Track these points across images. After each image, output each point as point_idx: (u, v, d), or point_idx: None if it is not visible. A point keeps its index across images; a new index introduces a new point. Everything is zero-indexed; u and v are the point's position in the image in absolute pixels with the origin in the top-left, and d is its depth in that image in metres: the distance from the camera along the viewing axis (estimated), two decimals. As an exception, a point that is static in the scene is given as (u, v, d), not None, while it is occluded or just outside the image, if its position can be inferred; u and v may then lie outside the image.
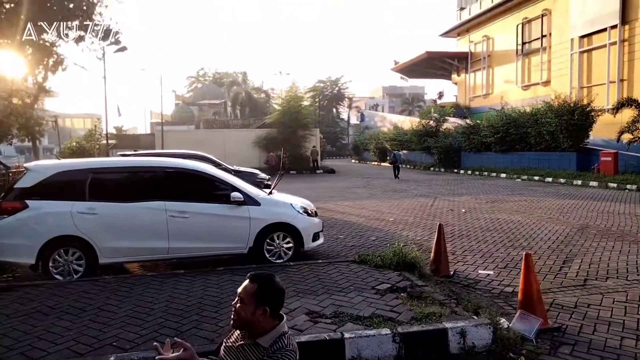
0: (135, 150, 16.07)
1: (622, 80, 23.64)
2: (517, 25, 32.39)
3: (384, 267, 6.09)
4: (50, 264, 6.18)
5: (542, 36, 30.05)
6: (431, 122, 33.03)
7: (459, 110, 35.97)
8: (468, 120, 29.20)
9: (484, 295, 5.62)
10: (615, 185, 17.04)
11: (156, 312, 4.53)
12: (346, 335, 3.92)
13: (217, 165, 13.32)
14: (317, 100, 58.21)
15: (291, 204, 7.28)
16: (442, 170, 29.53)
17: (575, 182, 18.76)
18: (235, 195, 6.76)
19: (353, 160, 49.98)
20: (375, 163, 41.11)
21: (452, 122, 32.53)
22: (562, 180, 19.47)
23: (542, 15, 29.92)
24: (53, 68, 26.64)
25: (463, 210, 12.48)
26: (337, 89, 70.82)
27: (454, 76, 43.09)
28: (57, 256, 6.21)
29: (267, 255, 6.94)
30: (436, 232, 6.51)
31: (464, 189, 18.14)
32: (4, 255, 6.29)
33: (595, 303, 5.18)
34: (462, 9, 39.85)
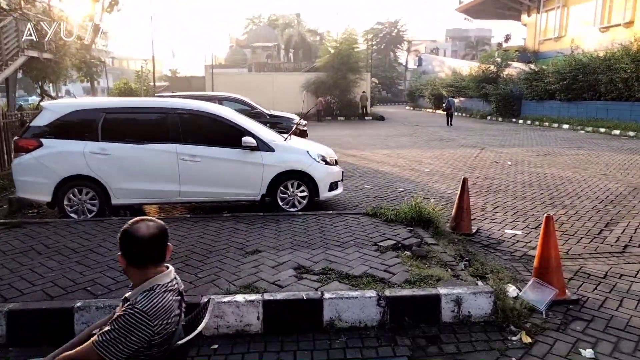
0: (173, 92, 16.11)
1: None
2: (600, -44, 28.72)
3: (397, 221, 5.67)
4: (65, 203, 6.28)
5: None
6: (491, 67, 30.72)
7: (524, 55, 33.11)
8: (532, 66, 26.87)
9: (503, 257, 5.10)
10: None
11: (144, 257, 4.43)
12: (326, 295, 3.62)
13: (251, 108, 13.09)
14: (371, 43, 55.71)
15: (307, 152, 6.90)
16: (500, 119, 27.76)
17: (646, 135, 16.94)
18: (248, 140, 6.47)
19: (407, 107, 48.21)
20: (430, 110, 39.44)
21: (515, 68, 30.11)
22: (631, 134, 17.63)
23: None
24: (109, 9, 27.44)
25: (509, 163, 11.57)
26: (395, 31, 67.48)
27: (524, 17, 39.33)
28: (71, 195, 6.29)
29: (281, 204, 6.71)
30: (460, 186, 5.97)
31: (516, 140, 16.90)
32: (23, 192, 6.45)
33: (629, 274, 4.54)
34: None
